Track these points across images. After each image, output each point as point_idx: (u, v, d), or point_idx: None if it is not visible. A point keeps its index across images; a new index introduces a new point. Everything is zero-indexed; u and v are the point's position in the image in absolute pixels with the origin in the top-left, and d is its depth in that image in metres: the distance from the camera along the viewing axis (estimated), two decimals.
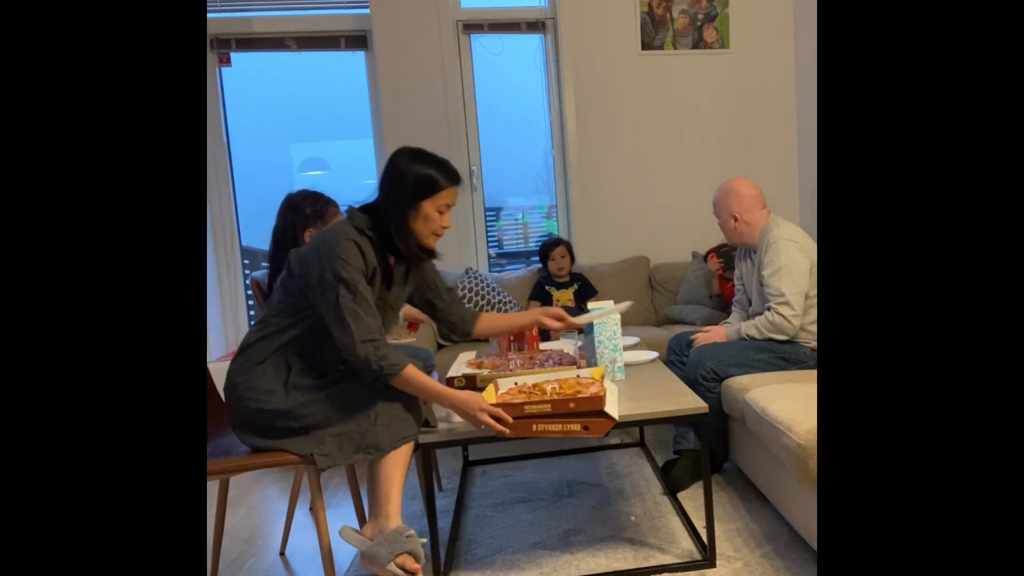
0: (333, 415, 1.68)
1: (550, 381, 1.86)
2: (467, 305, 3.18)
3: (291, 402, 1.68)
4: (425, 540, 1.68)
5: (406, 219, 1.74)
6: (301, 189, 2.27)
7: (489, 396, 1.80)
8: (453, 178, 1.77)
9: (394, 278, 1.81)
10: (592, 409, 1.67)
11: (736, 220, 2.46)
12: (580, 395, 1.70)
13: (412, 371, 1.66)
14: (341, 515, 2.38)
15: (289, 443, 1.68)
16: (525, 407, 1.66)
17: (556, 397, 1.70)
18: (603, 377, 1.92)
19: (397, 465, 1.69)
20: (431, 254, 1.85)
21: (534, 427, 1.67)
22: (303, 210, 2.20)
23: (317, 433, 1.68)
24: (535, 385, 1.84)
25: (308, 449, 1.66)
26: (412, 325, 2.31)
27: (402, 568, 1.59)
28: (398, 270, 1.83)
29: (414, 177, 1.73)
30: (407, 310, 2.24)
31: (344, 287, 1.64)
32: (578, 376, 1.92)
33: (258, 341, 1.75)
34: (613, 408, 1.72)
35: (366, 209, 1.78)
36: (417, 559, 1.60)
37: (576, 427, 1.67)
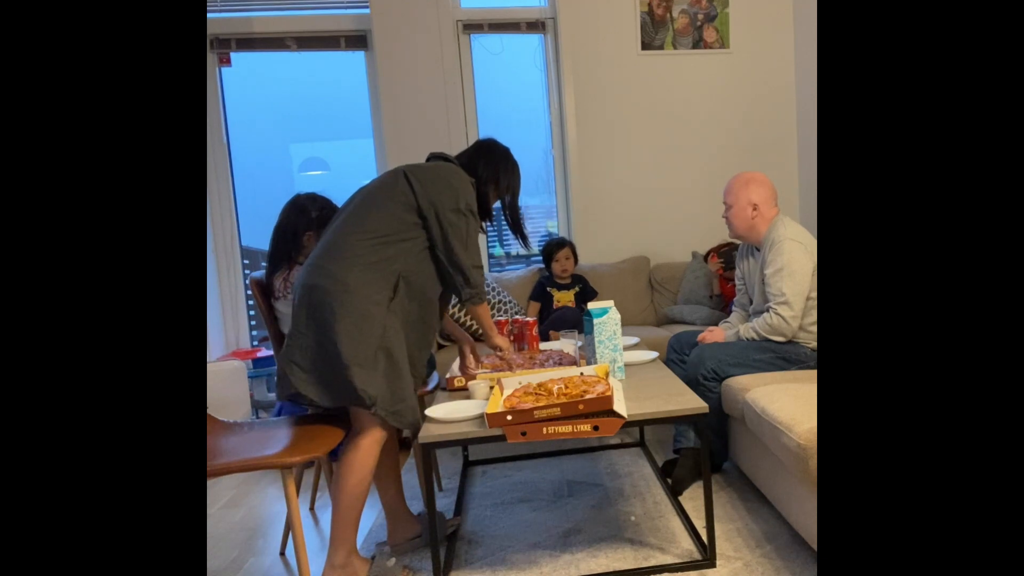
0: (399, 353, 1.77)
1: (555, 380, 1.86)
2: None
3: (387, 321, 1.75)
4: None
5: (518, 212, 2.10)
6: (309, 192, 2.26)
7: (495, 398, 1.80)
8: None
9: None
10: (601, 409, 1.67)
11: (755, 209, 2.44)
12: (588, 396, 1.70)
13: (486, 307, 1.97)
14: None
15: (374, 386, 1.70)
16: (535, 412, 1.66)
17: (564, 399, 1.70)
18: (608, 375, 1.92)
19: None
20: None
21: (544, 430, 1.67)
22: (309, 213, 2.20)
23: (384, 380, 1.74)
24: (540, 384, 1.84)
25: (385, 408, 1.72)
26: None
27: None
28: None
29: (516, 177, 2.07)
30: None
31: (473, 219, 1.90)
32: (582, 374, 1.91)
33: (374, 246, 1.78)
34: (621, 406, 1.72)
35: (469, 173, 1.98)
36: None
37: (586, 427, 1.67)
